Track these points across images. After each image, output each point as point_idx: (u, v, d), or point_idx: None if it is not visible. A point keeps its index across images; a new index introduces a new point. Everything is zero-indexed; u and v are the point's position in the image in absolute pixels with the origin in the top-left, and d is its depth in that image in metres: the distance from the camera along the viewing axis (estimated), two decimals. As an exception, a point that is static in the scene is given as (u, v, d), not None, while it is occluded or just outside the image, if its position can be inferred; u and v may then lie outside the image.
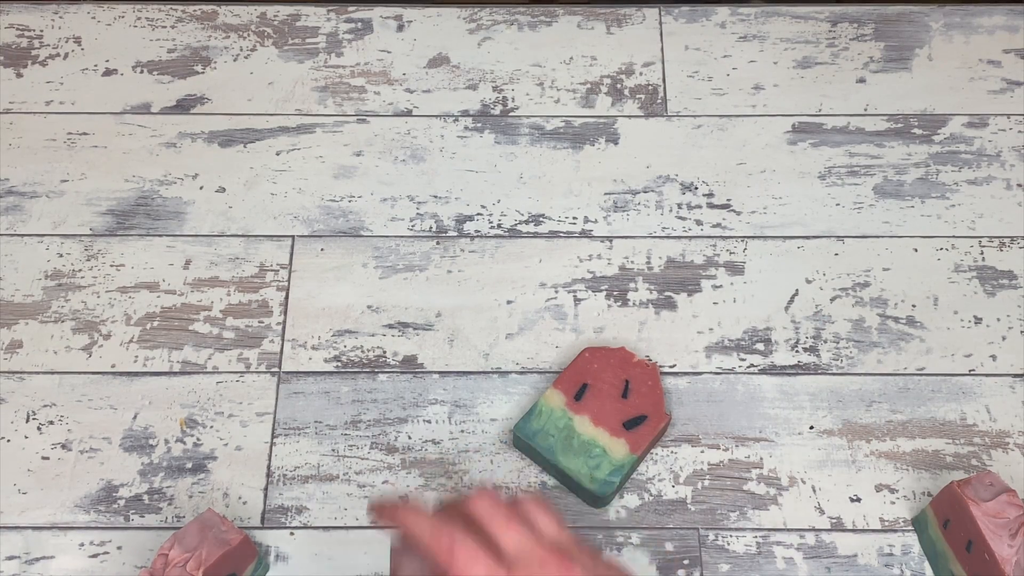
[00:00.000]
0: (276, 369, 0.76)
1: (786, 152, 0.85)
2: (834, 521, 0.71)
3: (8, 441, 0.73)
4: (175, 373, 0.76)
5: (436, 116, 0.86)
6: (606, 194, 0.83)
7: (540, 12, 0.91)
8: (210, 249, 0.80)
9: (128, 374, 0.75)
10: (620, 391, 0.71)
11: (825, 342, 0.77)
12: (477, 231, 0.81)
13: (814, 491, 0.72)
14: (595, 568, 0.51)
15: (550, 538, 0.52)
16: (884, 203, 0.82)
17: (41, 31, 0.90)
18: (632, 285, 0.79)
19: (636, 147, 0.85)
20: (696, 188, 0.83)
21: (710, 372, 0.76)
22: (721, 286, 0.79)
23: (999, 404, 0.74)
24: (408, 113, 0.86)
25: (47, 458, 0.73)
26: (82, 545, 0.70)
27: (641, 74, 0.88)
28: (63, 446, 0.73)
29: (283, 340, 0.77)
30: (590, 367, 0.72)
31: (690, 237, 0.81)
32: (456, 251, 0.80)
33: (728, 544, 0.70)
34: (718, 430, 0.74)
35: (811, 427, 0.74)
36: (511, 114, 0.86)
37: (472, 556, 0.50)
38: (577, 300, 0.78)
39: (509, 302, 0.78)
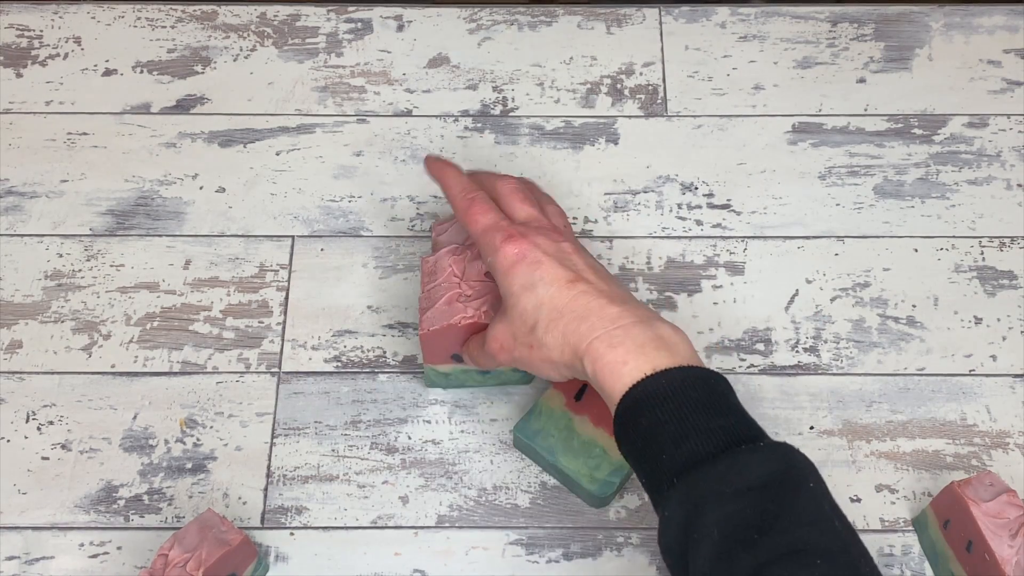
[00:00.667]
0: (276, 369, 0.76)
1: (786, 152, 0.85)
2: (834, 521, 0.71)
3: (8, 441, 0.73)
4: (175, 373, 0.76)
5: (436, 116, 0.86)
6: (606, 194, 0.83)
7: (540, 12, 0.91)
8: (210, 249, 0.80)
9: (128, 374, 0.76)
10: None
11: (825, 342, 0.77)
12: (477, 231, 0.81)
13: (814, 491, 0.71)
14: (582, 250, 0.64)
15: (554, 222, 0.67)
16: (884, 203, 0.82)
17: (41, 31, 0.90)
18: (632, 285, 0.79)
19: (636, 147, 0.85)
20: (696, 188, 0.83)
21: (710, 372, 0.76)
22: (721, 286, 0.79)
23: (999, 404, 0.74)
24: (408, 113, 0.86)
25: (47, 458, 0.73)
26: (82, 545, 0.70)
27: (641, 74, 0.88)
28: (63, 446, 0.73)
29: (283, 340, 0.77)
30: None
31: (690, 237, 0.81)
32: (456, 251, 0.80)
33: (728, 544, 0.70)
34: (718, 430, 0.73)
35: (811, 427, 0.74)
36: (511, 114, 0.86)
37: (485, 210, 0.64)
38: (577, 300, 0.78)
39: (509, 302, 0.78)
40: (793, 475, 0.53)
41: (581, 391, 0.71)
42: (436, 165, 0.69)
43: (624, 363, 0.57)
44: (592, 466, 0.69)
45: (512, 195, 0.67)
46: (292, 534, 0.70)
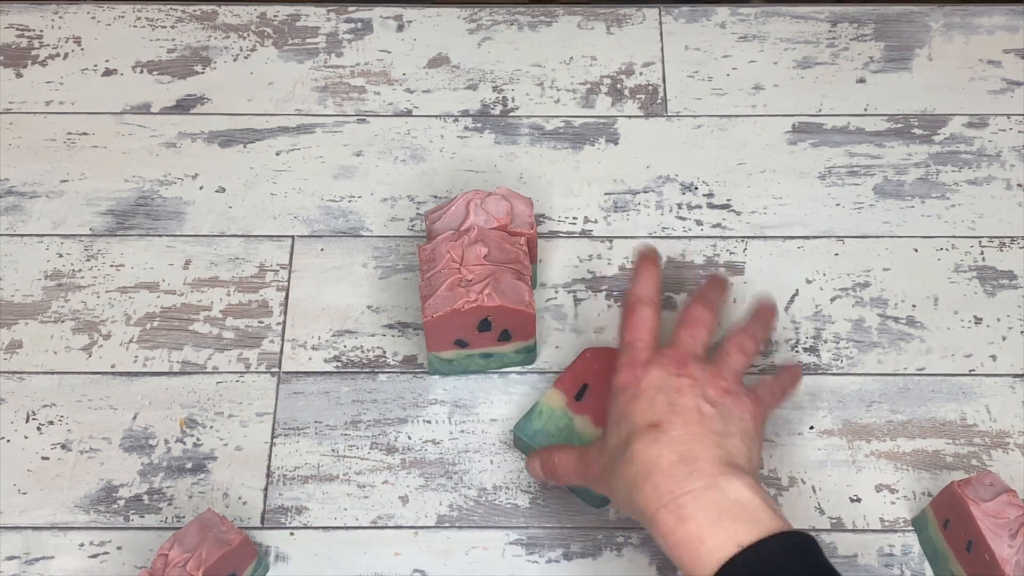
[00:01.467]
0: (276, 369, 0.76)
1: (786, 152, 0.85)
2: (834, 521, 0.71)
3: (8, 441, 0.73)
4: (175, 373, 0.76)
5: (436, 116, 0.86)
6: (606, 194, 0.83)
7: (540, 12, 0.91)
8: (210, 249, 0.80)
9: (128, 374, 0.75)
10: None
11: (825, 342, 0.77)
12: (477, 231, 0.81)
13: (814, 491, 0.72)
14: (702, 387, 0.60)
15: (731, 361, 0.63)
16: (884, 203, 0.82)
17: (41, 31, 0.90)
18: (632, 285, 0.79)
19: (636, 147, 0.85)
20: (696, 188, 0.83)
21: (710, 372, 0.76)
22: (721, 286, 0.79)
23: (999, 404, 0.74)
24: (408, 113, 0.86)
25: (47, 458, 0.72)
26: (82, 545, 0.70)
27: (641, 74, 0.88)
28: (63, 446, 0.73)
29: (283, 340, 0.77)
30: (591, 367, 0.72)
31: (690, 237, 0.81)
32: (456, 251, 0.80)
33: (728, 544, 0.70)
34: (718, 430, 0.73)
35: (811, 427, 0.74)
36: (511, 114, 0.86)
37: (636, 325, 0.63)
38: (577, 300, 0.78)
39: (509, 302, 0.78)
40: None
41: (582, 391, 0.71)
42: (644, 260, 0.66)
43: (701, 541, 0.53)
44: None
45: (687, 321, 0.64)
46: (292, 534, 0.70)
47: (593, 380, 0.72)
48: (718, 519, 0.53)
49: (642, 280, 0.65)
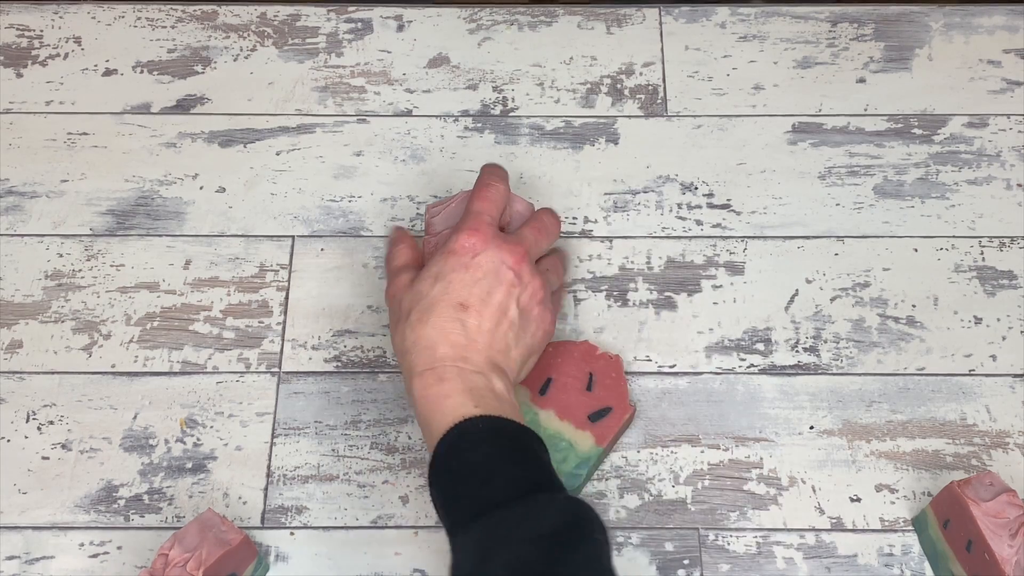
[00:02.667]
0: (276, 369, 0.76)
1: (786, 152, 0.85)
2: (834, 521, 0.71)
3: (8, 441, 0.73)
4: (175, 373, 0.76)
5: (436, 116, 0.86)
6: (606, 194, 0.83)
7: (540, 12, 0.91)
8: (210, 249, 0.80)
9: (128, 374, 0.76)
10: (584, 384, 0.72)
11: (825, 342, 0.77)
12: (477, 231, 0.81)
13: (814, 491, 0.72)
14: (517, 289, 0.64)
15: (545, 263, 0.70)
16: (884, 203, 0.82)
17: (41, 31, 0.90)
18: (632, 285, 0.79)
19: (636, 147, 0.85)
20: (696, 188, 0.83)
21: (710, 372, 0.76)
22: (721, 286, 0.79)
23: (999, 404, 0.74)
24: (408, 113, 0.86)
25: (47, 458, 0.73)
26: (82, 545, 0.70)
27: (641, 74, 0.88)
28: (63, 446, 0.73)
29: (283, 340, 0.77)
30: (554, 361, 0.72)
31: (690, 237, 0.81)
32: (456, 251, 0.80)
33: (728, 544, 0.70)
34: (718, 430, 0.74)
35: (811, 427, 0.74)
36: (511, 114, 0.86)
37: (488, 197, 0.66)
38: (577, 300, 0.78)
39: (509, 302, 0.78)
40: (582, 526, 0.55)
41: (545, 385, 0.71)
42: (492, 169, 0.70)
43: (448, 397, 0.59)
44: (559, 459, 0.69)
45: (537, 225, 0.69)
46: (292, 534, 0.70)
47: (556, 374, 0.72)
48: (470, 392, 0.59)
49: (495, 173, 0.68)
